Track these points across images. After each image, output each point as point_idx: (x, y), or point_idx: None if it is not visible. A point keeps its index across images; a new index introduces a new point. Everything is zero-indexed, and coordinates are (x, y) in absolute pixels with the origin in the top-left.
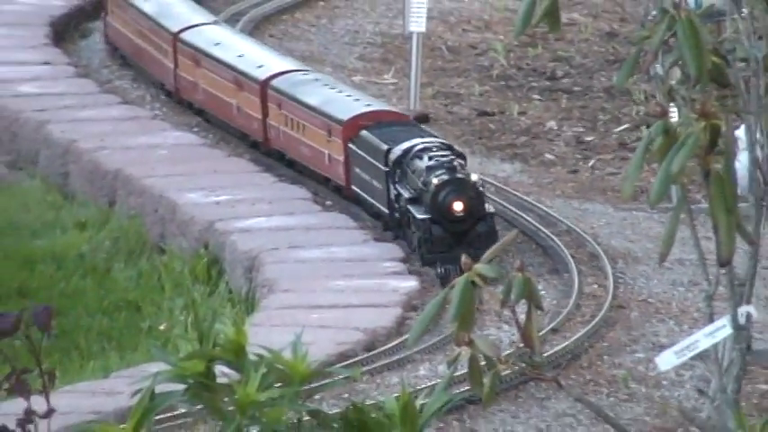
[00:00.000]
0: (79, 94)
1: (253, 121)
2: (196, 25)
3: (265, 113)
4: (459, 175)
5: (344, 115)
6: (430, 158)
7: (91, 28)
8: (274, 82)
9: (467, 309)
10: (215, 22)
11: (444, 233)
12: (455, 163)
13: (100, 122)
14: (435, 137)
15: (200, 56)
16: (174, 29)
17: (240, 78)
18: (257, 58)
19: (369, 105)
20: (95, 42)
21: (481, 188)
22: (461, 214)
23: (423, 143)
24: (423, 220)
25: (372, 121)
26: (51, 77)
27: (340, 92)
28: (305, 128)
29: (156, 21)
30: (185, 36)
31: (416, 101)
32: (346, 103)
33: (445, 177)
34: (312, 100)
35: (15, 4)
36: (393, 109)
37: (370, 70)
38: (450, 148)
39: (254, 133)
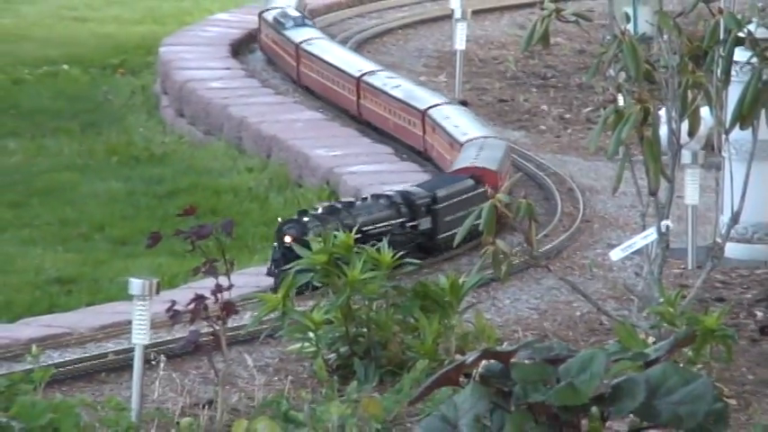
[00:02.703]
0: (247, 88)
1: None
2: (436, 105)
3: None
4: (300, 217)
5: (458, 166)
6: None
7: (255, 47)
8: (466, 144)
9: (491, 221)
10: (449, 102)
11: (282, 256)
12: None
13: (261, 105)
14: (433, 190)
15: (436, 127)
16: (422, 107)
17: (454, 143)
18: (466, 129)
19: (473, 162)
20: (258, 56)
21: (314, 228)
22: (290, 244)
23: (404, 190)
24: (272, 245)
25: (463, 173)
26: (230, 77)
27: (478, 154)
28: None
29: (407, 102)
30: (430, 112)
31: (459, 93)
32: (470, 160)
33: (290, 218)
34: (466, 154)
35: (208, 32)
36: (480, 166)
37: (429, 73)
38: (411, 198)
39: None
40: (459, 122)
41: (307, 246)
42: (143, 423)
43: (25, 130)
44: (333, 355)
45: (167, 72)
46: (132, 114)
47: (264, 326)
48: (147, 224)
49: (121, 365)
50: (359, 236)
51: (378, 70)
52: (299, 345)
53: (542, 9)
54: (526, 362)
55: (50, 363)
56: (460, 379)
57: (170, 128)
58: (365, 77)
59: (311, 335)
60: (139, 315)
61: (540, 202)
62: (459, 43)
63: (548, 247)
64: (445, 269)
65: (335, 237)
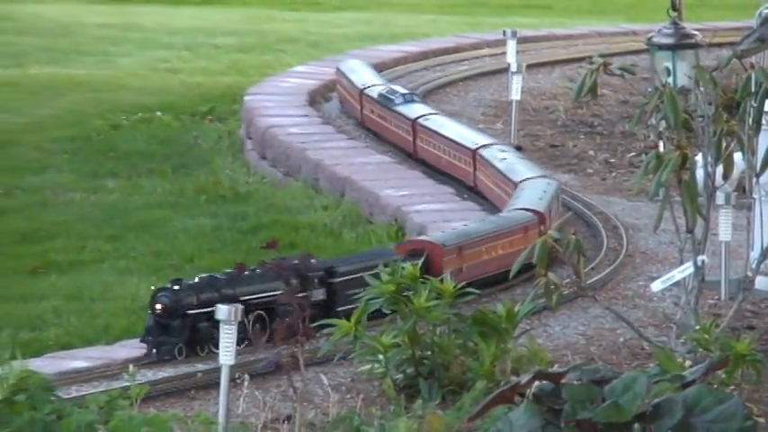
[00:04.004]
0: (323, 134)
1: None
2: (529, 178)
3: None
4: (171, 285)
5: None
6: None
7: (330, 96)
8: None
9: (544, 256)
10: (541, 177)
11: (155, 323)
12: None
13: (335, 150)
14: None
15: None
16: (516, 180)
17: None
18: (523, 202)
19: (425, 236)
20: (333, 105)
21: (186, 297)
22: (160, 312)
23: (296, 263)
24: (149, 312)
25: (409, 246)
26: (308, 124)
27: (455, 228)
28: None
29: (506, 175)
30: (521, 185)
31: (514, 139)
32: (430, 234)
33: (164, 286)
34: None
35: (287, 83)
36: (424, 239)
37: (487, 121)
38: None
39: None
40: (526, 195)
41: (176, 315)
42: None
43: (122, 170)
44: (400, 376)
45: (251, 119)
46: (219, 157)
47: (338, 349)
48: (233, 256)
49: (209, 383)
50: (240, 305)
51: (492, 144)
52: (369, 366)
53: (591, 63)
54: (575, 383)
55: (145, 381)
56: (515, 398)
57: (253, 169)
58: (480, 150)
59: (381, 357)
60: (226, 338)
61: (588, 238)
62: (515, 94)
63: (594, 279)
64: (501, 298)
65: (403, 268)
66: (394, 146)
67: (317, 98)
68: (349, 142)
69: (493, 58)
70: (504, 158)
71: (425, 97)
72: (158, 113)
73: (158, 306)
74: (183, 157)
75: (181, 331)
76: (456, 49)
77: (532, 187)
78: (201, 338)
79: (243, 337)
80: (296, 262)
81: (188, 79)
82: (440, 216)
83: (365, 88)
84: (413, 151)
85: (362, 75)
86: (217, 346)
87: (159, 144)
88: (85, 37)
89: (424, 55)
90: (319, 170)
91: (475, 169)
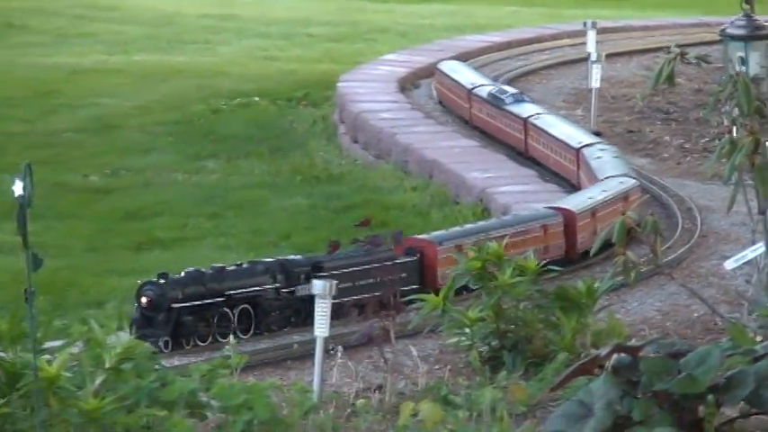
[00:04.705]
0: (412, 119)
1: None
2: (610, 177)
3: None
4: (157, 279)
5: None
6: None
7: (420, 83)
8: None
9: (622, 235)
10: (622, 176)
11: (141, 316)
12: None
13: (423, 134)
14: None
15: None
16: (601, 178)
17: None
18: (574, 198)
19: (413, 237)
20: (422, 92)
21: (171, 291)
22: (146, 305)
23: (283, 259)
24: (135, 305)
25: (408, 243)
26: (398, 110)
27: (463, 225)
28: None
29: (594, 173)
30: (598, 183)
31: (594, 124)
32: (430, 233)
33: (149, 280)
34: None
35: (378, 70)
36: (420, 237)
37: (568, 107)
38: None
39: None
40: (578, 194)
41: (161, 308)
42: (323, 404)
43: (222, 152)
44: (485, 348)
45: (344, 104)
46: (313, 140)
47: (427, 322)
48: (327, 234)
49: (305, 354)
50: (224, 299)
51: (595, 143)
52: (456, 339)
53: (668, 53)
54: (652, 356)
55: (245, 351)
56: (595, 370)
57: (346, 152)
58: (583, 149)
59: (467, 330)
60: (321, 311)
61: (664, 219)
62: (595, 82)
63: (670, 257)
64: (582, 275)
65: (488, 246)
66: (505, 144)
67: (406, 85)
68: (437, 127)
69: (573, 48)
70: (598, 157)
71: (509, 85)
72: (256, 99)
73: (144, 299)
74: (280, 141)
75: (165, 325)
76: (538, 39)
77: (599, 186)
78: (186, 332)
79: (227, 332)
80: (278, 259)
81: (284, 67)
82: (522, 197)
83: (473, 88)
84: (524, 150)
85: (466, 74)
86: (203, 340)
87: (257, 128)
88: (187, 26)
89: (508, 45)
90: (408, 153)
91: (578, 168)
